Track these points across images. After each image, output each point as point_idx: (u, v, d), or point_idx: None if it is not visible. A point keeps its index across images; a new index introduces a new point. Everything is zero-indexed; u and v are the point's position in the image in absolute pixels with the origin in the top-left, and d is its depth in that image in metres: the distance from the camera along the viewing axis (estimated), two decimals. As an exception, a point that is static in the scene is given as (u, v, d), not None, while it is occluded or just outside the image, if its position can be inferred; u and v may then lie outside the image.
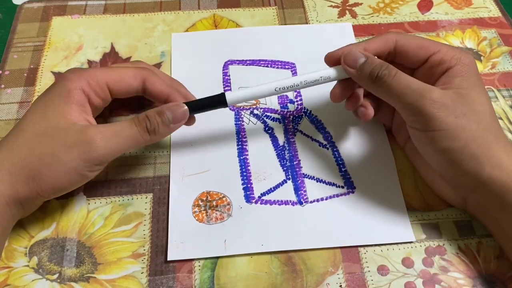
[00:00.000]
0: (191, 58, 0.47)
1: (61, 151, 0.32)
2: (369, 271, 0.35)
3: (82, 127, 0.33)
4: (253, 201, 0.38)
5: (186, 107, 0.36)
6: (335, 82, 0.38)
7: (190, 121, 0.38)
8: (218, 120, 0.42)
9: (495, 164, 0.32)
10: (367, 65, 0.35)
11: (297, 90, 0.45)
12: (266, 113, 0.43)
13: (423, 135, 0.34)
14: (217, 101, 0.37)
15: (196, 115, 0.40)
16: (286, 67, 0.46)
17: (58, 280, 0.34)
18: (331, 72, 0.37)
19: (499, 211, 0.34)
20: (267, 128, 0.42)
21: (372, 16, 0.51)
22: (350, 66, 0.36)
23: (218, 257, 0.35)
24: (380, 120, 0.42)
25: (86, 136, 0.33)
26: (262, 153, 0.41)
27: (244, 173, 0.39)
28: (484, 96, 0.35)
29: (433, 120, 0.33)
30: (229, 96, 0.36)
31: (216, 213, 0.37)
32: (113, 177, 0.39)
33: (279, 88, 0.37)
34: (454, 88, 0.34)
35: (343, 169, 0.40)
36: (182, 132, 0.41)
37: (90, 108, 0.36)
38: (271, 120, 0.43)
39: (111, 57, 0.47)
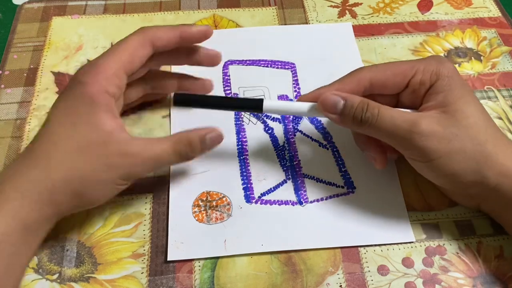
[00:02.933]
0: (191, 58, 0.47)
1: (102, 171, 0.32)
2: (369, 271, 0.35)
3: (121, 145, 0.32)
4: (253, 201, 0.38)
5: (221, 132, 0.36)
6: None
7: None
8: (218, 120, 0.42)
9: (499, 172, 0.32)
10: (348, 109, 0.34)
11: (297, 90, 0.45)
12: (266, 113, 0.43)
13: (422, 165, 0.34)
14: (254, 105, 0.36)
15: (196, 116, 0.40)
16: (286, 67, 0.46)
17: (58, 280, 0.34)
18: None
19: None
20: (267, 128, 0.42)
21: (372, 16, 0.51)
22: (331, 112, 0.34)
23: (218, 257, 0.35)
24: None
25: (127, 160, 0.32)
26: (262, 153, 0.41)
27: (244, 173, 0.39)
28: (474, 104, 0.34)
29: (426, 151, 0.32)
30: (266, 104, 0.36)
31: (216, 213, 0.37)
32: (113, 177, 0.39)
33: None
34: (440, 107, 0.33)
35: (343, 169, 0.40)
36: (182, 132, 0.41)
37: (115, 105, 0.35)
38: (271, 120, 0.43)
39: (111, 57, 0.47)
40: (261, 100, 0.36)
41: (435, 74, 0.34)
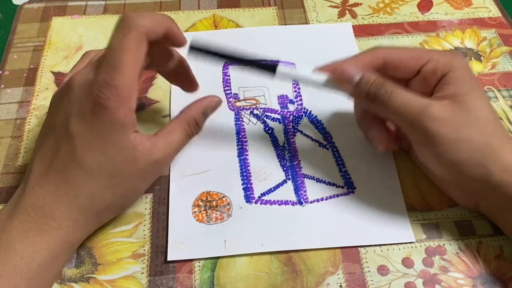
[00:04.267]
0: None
1: (139, 183, 0.34)
2: (369, 271, 0.35)
3: (147, 155, 0.33)
4: (253, 201, 0.38)
5: (219, 98, 0.37)
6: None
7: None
8: (218, 120, 0.42)
9: (503, 168, 0.32)
10: (363, 83, 0.34)
11: (297, 91, 0.45)
12: (266, 113, 0.43)
13: (427, 151, 0.34)
14: (269, 68, 0.36)
15: None
16: (286, 67, 0.46)
17: (58, 281, 0.34)
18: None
19: None
20: (267, 128, 0.42)
21: (372, 16, 0.51)
22: (346, 84, 0.35)
23: (218, 257, 0.35)
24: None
25: (157, 166, 0.34)
26: (262, 153, 0.41)
27: (244, 173, 0.39)
28: (483, 99, 0.34)
29: (435, 136, 0.32)
30: (280, 69, 0.36)
31: (216, 213, 0.37)
32: (113, 177, 0.39)
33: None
34: (452, 97, 0.33)
35: (343, 169, 0.40)
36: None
37: None
38: (271, 120, 0.43)
39: (111, 57, 0.47)
40: (276, 63, 0.36)
41: (448, 65, 0.34)
